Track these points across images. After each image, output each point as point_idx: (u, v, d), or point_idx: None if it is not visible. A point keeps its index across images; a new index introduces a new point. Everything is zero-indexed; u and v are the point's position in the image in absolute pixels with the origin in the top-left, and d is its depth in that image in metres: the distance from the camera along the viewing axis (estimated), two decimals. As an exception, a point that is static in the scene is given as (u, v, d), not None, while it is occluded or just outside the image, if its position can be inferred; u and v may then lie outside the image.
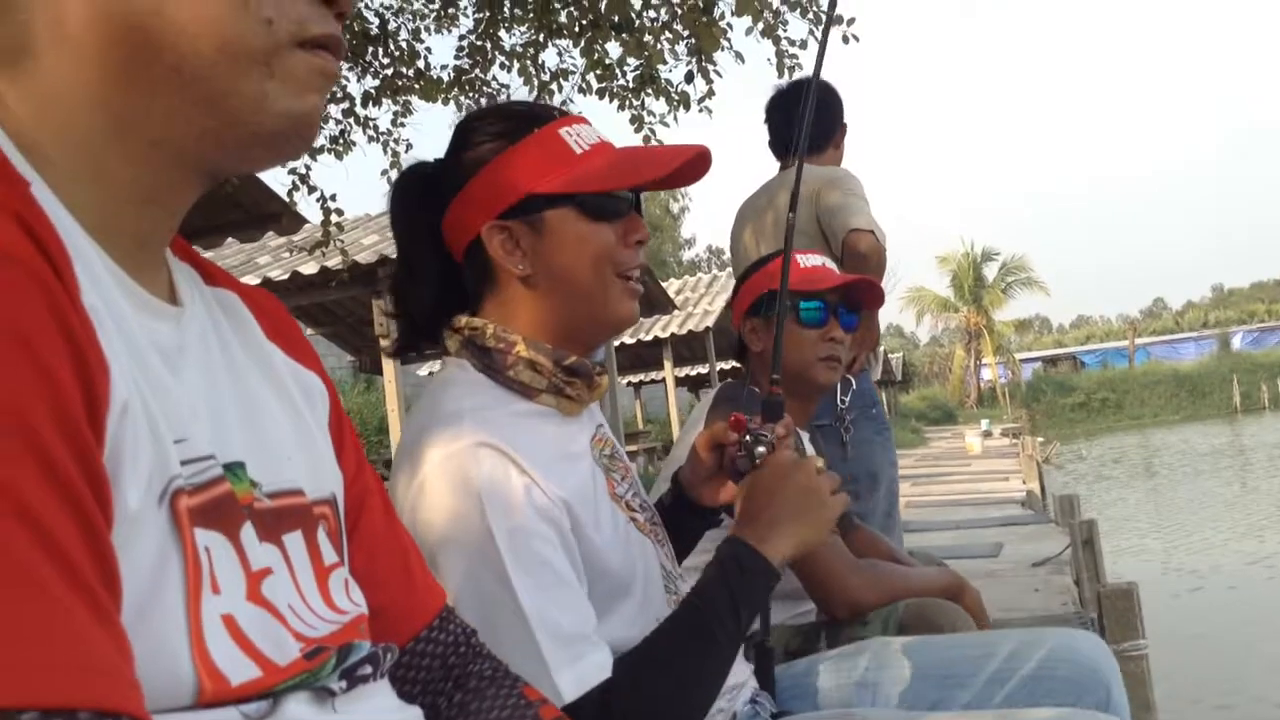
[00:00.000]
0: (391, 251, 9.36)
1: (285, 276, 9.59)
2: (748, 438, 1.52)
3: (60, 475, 0.51)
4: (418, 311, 1.47)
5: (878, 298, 2.38)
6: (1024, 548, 8.15)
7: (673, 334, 17.82)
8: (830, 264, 2.35)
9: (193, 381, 0.72)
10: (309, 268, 9.09)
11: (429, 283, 1.45)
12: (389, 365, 9.60)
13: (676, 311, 17.39)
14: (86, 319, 0.58)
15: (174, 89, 0.68)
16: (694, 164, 1.44)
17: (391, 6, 5.86)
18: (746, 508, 1.46)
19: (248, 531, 0.70)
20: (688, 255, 49.45)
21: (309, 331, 15.66)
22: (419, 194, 1.45)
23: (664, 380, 19.47)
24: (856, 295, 2.31)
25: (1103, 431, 43.05)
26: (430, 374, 19.57)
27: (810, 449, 2.32)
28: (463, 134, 1.44)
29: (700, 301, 18.77)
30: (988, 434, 28.41)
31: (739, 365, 2.49)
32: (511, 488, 1.27)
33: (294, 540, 0.77)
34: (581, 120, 1.45)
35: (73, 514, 0.51)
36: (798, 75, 5.19)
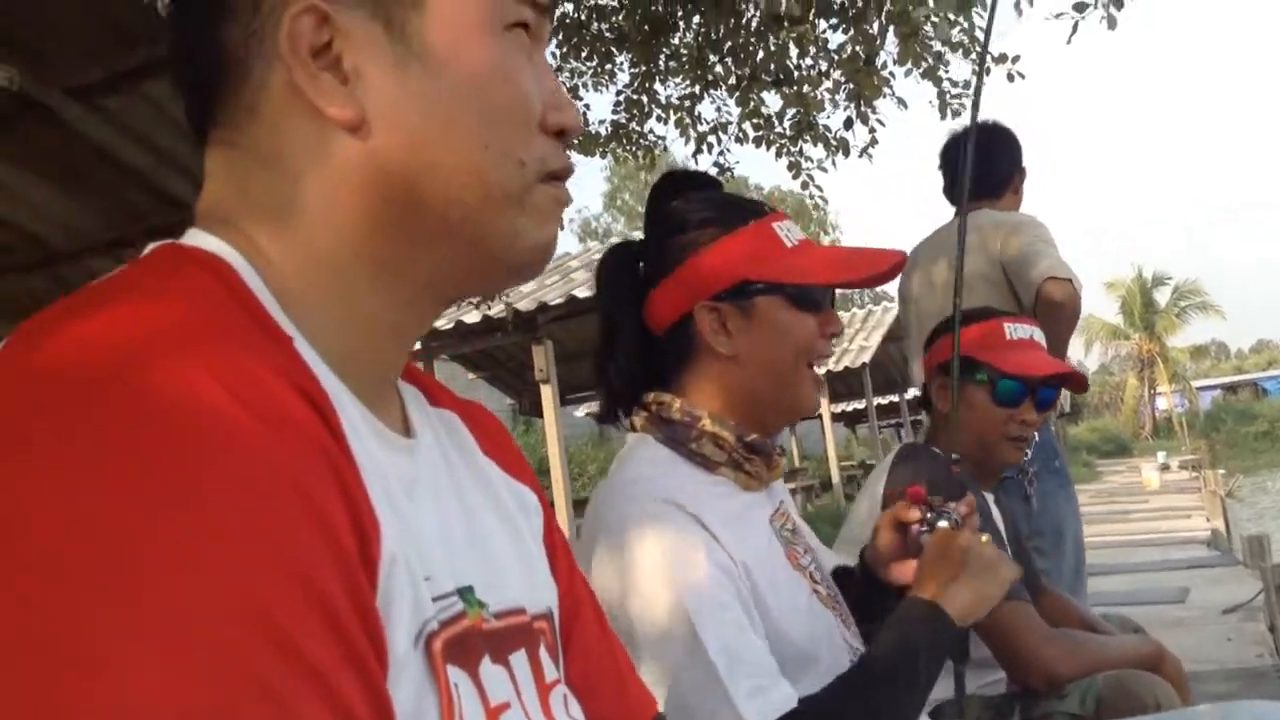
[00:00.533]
0: (550, 298, 9.58)
1: (449, 325, 9.87)
2: (929, 514, 1.54)
3: (343, 630, 0.54)
4: (618, 381, 1.53)
5: (1081, 384, 2.30)
6: (1212, 593, 7.75)
7: (828, 370, 17.61)
8: (1039, 336, 2.27)
9: (428, 512, 0.74)
10: (472, 316, 9.34)
11: (630, 354, 1.52)
12: (549, 408, 9.75)
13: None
14: (359, 475, 0.62)
15: (439, 235, 0.72)
16: (895, 268, 1.51)
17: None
18: (917, 578, 1.49)
19: (485, 665, 0.72)
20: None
21: (470, 376, 16.07)
22: (628, 270, 1.55)
23: (820, 417, 19.24)
24: (1066, 378, 2.24)
25: (1290, 462, 40.63)
26: (588, 414, 19.73)
27: (995, 510, 2.26)
28: (673, 218, 1.52)
29: (855, 338, 18.52)
30: (1165, 467, 27.13)
31: (894, 401, 2.46)
32: (692, 542, 1.32)
33: (519, 660, 0.78)
34: (787, 217, 1.53)
35: (353, 667, 0.54)
36: (962, 117, 5.10)
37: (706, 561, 1.31)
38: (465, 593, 0.74)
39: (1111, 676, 2.01)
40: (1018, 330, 2.26)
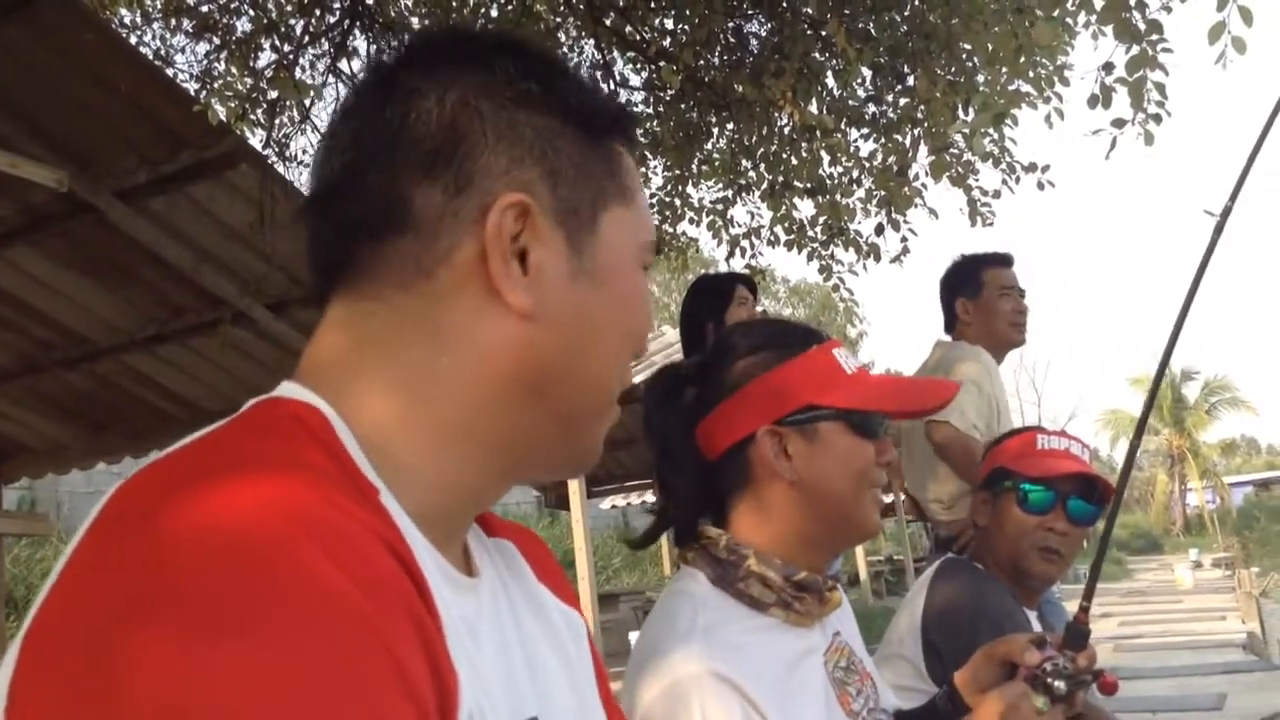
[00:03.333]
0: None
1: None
2: (1047, 666, 1.40)
3: None
4: (680, 511, 1.52)
5: (1107, 491, 2.23)
6: (1250, 699, 7.59)
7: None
8: (1077, 449, 2.25)
9: (490, 652, 0.77)
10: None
11: (690, 483, 1.50)
12: (577, 504, 9.69)
13: (860, 442, 17.11)
14: (441, 630, 0.66)
15: (549, 429, 0.79)
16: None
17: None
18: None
19: None
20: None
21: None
22: (679, 393, 1.53)
23: (848, 511, 19.06)
24: (1097, 488, 2.18)
25: (1327, 561, 39.84)
26: (613, 506, 19.55)
27: (1037, 625, 2.23)
28: (731, 344, 1.52)
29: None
30: (1198, 564, 26.71)
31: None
32: None
33: None
34: (842, 344, 1.53)
35: None
36: (990, 223, 5.17)
37: None
38: None
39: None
40: (1050, 441, 2.24)
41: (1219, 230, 1.73)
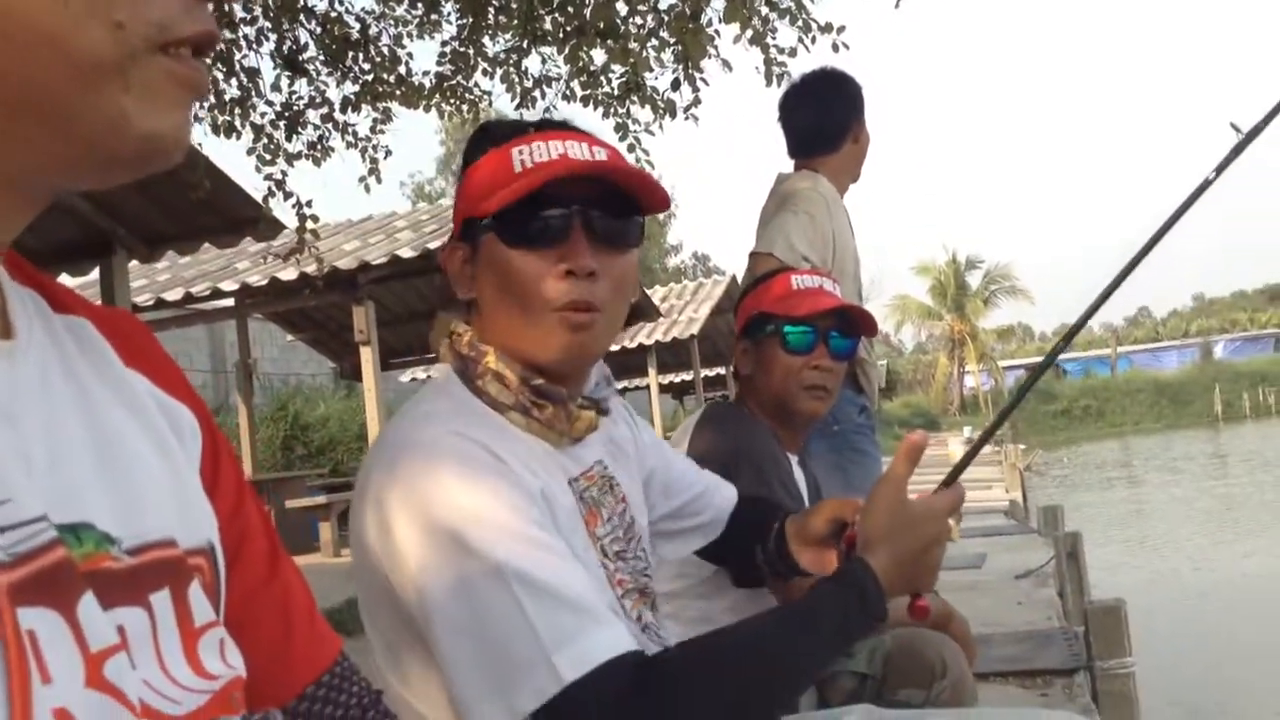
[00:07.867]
0: (372, 257, 9.30)
1: (264, 282, 9.49)
2: None
3: None
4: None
5: (870, 323, 2.26)
6: (1007, 559, 8.14)
7: (657, 341, 17.75)
8: (829, 285, 2.24)
9: (28, 428, 0.63)
10: (288, 274, 8.97)
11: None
12: (369, 372, 9.46)
13: (661, 319, 17.33)
14: None
15: (21, 118, 0.60)
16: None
17: (373, 12, 5.78)
18: (884, 531, 1.38)
19: (87, 604, 0.60)
20: (673, 262, 49.40)
21: (289, 338, 15.50)
22: None
23: (648, 387, 19.39)
24: (852, 321, 2.21)
25: (1085, 439, 43.44)
26: (413, 380, 19.32)
27: (800, 474, 2.25)
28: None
29: (685, 309, 18.72)
30: (970, 441, 28.47)
31: (722, 373, 2.40)
32: (487, 470, 1.20)
33: (161, 600, 0.67)
34: (554, 135, 1.33)
35: None
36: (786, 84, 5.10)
37: (506, 488, 1.19)
38: (78, 529, 0.63)
39: (900, 634, 2.03)
40: (804, 280, 2.22)
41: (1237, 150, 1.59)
